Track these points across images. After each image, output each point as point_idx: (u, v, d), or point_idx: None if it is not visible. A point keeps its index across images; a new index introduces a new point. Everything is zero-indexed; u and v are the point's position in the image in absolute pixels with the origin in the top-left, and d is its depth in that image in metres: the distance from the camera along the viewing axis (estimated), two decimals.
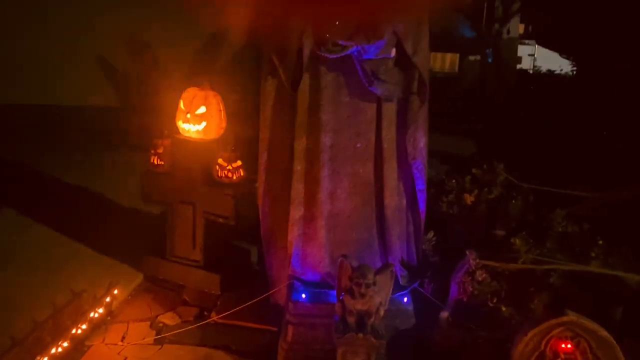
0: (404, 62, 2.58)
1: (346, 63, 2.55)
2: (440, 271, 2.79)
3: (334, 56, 2.48)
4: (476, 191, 2.85)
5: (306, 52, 2.49)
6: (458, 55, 10.91)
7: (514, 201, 2.75)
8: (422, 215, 2.90)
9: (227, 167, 3.33)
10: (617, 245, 2.50)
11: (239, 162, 3.35)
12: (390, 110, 2.68)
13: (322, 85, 2.61)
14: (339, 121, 2.68)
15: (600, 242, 2.50)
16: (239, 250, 3.64)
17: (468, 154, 5.69)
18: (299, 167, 2.70)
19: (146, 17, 7.21)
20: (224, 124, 3.46)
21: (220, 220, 3.27)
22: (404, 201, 2.85)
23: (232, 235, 3.54)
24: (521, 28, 13.08)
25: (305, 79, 2.62)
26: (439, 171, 5.33)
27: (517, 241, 2.54)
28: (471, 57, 10.53)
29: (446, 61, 10.91)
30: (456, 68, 10.92)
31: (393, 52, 2.54)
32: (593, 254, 2.45)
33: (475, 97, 8.80)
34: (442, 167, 5.58)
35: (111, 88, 7.29)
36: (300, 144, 2.70)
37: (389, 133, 2.71)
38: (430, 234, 2.97)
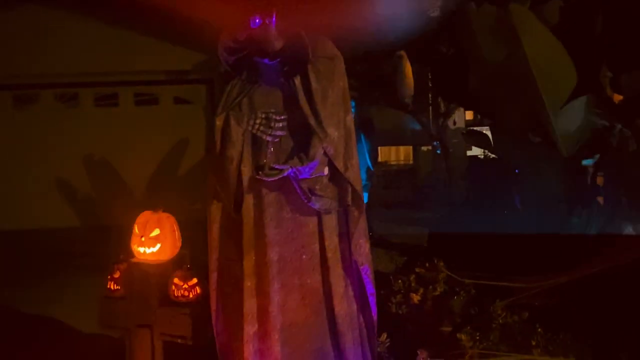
0: (337, 178, 2.80)
1: (285, 182, 2.75)
2: None
3: (272, 179, 2.68)
4: (421, 290, 2.99)
5: (245, 178, 2.70)
6: (411, 146, 11.48)
7: (456, 297, 2.89)
8: (375, 318, 3.01)
9: (183, 286, 3.41)
10: (556, 331, 2.64)
11: (195, 280, 3.43)
12: (330, 221, 2.86)
13: (264, 204, 2.79)
14: (284, 236, 2.83)
15: (540, 329, 2.63)
16: None
17: (424, 245, 5.87)
18: (249, 283, 2.81)
19: (105, 134, 7.49)
20: (178, 244, 3.58)
21: (179, 340, 3.30)
22: (354, 306, 2.96)
23: (193, 354, 3.54)
24: (470, 115, 13.78)
25: (249, 200, 2.80)
26: (398, 264, 5.46)
27: (463, 336, 2.65)
28: (424, 148, 11.08)
29: (400, 153, 11.44)
30: (411, 159, 11.44)
31: (326, 170, 2.77)
32: (534, 342, 2.57)
33: (430, 186, 9.19)
34: (401, 259, 5.73)
35: (72, 209, 7.37)
36: (249, 261, 2.82)
37: (332, 242, 2.87)
38: (384, 336, 3.05)
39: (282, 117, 2.72)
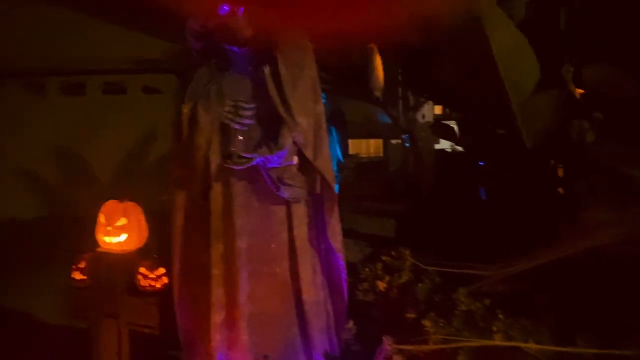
0: (307, 167, 2.82)
1: (254, 171, 2.76)
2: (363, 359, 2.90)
3: (240, 167, 2.69)
4: (387, 277, 3.03)
5: (213, 166, 2.71)
6: (382, 139, 11.54)
7: (420, 284, 2.95)
8: (346, 305, 3.05)
9: (150, 276, 3.40)
10: (517, 317, 2.71)
11: (162, 270, 3.42)
12: (299, 210, 2.89)
13: (233, 193, 2.80)
14: (253, 225, 2.85)
15: (501, 316, 2.69)
16: (168, 359, 3.61)
17: (392, 236, 5.95)
18: (216, 271, 2.82)
19: (71, 123, 7.31)
20: (145, 234, 3.56)
21: (146, 330, 3.29)
22: (322, 294, 3.00)
23: (161, 344, 3.52)
24: (439, 109, 13.80)
25: (217, 188, 2.80)
26: (366, 254, 5.51)
27: (427, 323, 2.70)
28: (393, 141, 11.16)
29: (370, 146, 11.49)
30: (381, 152, 11.50)
31: (295, 159, 2.79)
32: (495, 328, 2.64)
33: (399, 179, 9.28)
34: (369, 250, 5.78)
35: (37, 199, 7.19)
36: (217, 250, 2.83)
37: (300, 231, 2.90)
38: (351, 323, 3.09)
39: (251, 106, 2.73)
